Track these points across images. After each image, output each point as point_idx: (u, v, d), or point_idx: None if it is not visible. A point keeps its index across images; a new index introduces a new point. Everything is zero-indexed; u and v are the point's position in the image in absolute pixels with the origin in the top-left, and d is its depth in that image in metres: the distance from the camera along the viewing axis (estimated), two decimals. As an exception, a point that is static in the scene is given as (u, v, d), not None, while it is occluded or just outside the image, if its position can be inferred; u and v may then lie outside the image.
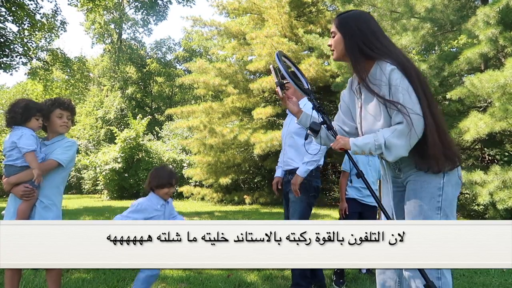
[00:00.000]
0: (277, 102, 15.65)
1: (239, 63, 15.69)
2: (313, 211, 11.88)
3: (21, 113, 2.50)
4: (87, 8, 18.52)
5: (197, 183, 16.15)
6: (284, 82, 2.18)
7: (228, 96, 14.06)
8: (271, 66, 2.27)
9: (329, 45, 2.04)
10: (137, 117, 19.78)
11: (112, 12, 29.30)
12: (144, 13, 29.96)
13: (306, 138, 2.17)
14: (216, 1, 15.24)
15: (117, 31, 31.99)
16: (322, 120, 2.00)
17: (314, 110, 2.05)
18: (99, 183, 20.16)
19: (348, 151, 1.89)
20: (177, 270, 3.96)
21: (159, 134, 24.51)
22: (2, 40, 13.14)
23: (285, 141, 3.43)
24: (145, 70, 32.30)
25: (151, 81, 32.89)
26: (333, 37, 2.01)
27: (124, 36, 33.13)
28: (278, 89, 2.14)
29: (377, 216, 3.76)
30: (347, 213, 3.70)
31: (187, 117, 15.13)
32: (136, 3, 28.39)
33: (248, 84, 13.53)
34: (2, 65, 13.52)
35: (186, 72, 29.95)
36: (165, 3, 26.23)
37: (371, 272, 3.71)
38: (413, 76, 1.82)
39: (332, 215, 8.64)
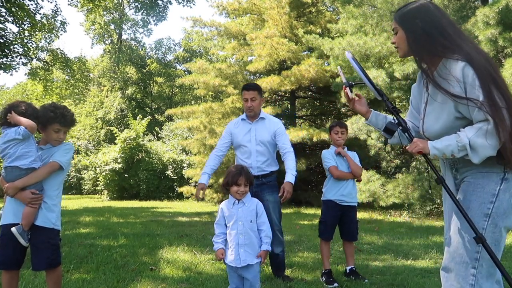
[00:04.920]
0: (277, 103, 15.66)
1: (239, 64, 15.71)
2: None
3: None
4: (87, 9, 18.54)
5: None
6: (353, 83, 2.10)
7: (228, 96, 14.06)
8: (338, 67, 2.22)
9: (393, 43, 1.93)
10: (137, 118, 19.79)
11: (112, 12, 29.31)
12: (144, 14, 29.98)
13: (385, 143, 2.09)
14: (216, 1, 15.25)
15: (117, 31, 32.01)
16: (397, 121, 1.90)
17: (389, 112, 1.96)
18: (99, 184, 20.17)
19: (427, 155, 1.78)
20: (177, 270, 3.97)
21: (159, 135, 24.52)
22: (2, 40, 13.14)
23: (254, 148, 3.64)
24: (145, 70, 32.30)
25: (151, 81, 32.89)
26: (396, 33, 1.90)
27: (124, 37, 33.18)
28: (347, 90, 2.06)
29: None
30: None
31: (187, 117, 15.14)
32: (136, 4, 28.40)
33: (248, 85, 13.51)
34: (2, 65, 13.52)
35: (186, 73, 29.98)
36: (165, 4, 26.23)
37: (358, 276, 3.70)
38: (485, 69, 1.67)
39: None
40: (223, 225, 2.63)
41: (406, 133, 1.89)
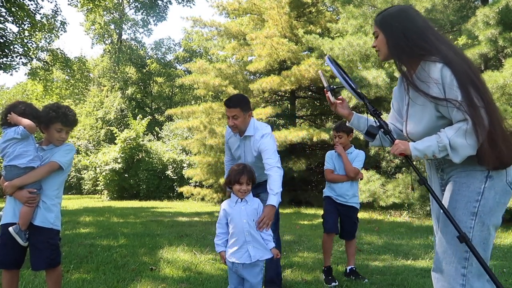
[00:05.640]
0: (277, 103, 15.68)
1: (239, 64, 15.71)
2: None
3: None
4: (87, 9, 18.54)
5: (197, 184, 16.17)
6: (335, 87, 2.13)
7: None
8: (319, 71, 2.23)
9: (374, 46, 1.95)
10: (137, 118, 19.79)
11: (112, 12, 29.31)
12: (144, 14, 29.98)
13: (366, 145, 2.12)
14: (216, 1, 15.25)
15: (117, 31, 32.01)
16: (379, 124, 1.93)
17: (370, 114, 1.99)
18: (99, 184, 20.16)
19: (409, 156, 1.80)
20: (177, 270, 3.97)
21: (159, 135, 24.53)
22: (2, 40, 13.14)
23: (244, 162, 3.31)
24: (145, 70, 32.31)
25: (151, 81, 32.90)
26: (376, 37, 1.93)
27: (124, 37, 33.18)
28: (329, 94, 2.10)
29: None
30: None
31: (187, 117, 15.14)
32: (136, 4, 28.41)
33: (248, 85, 13.53)
34: (2, 65, 13.52)
35: (186, 73, 29.98)
36: (165, 4, 26.27)
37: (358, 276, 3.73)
38: (463, 70, 1.70)
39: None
40: (225, 224, 2.61)
41: (387, 136, 1.91)
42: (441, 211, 1.81)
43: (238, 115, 3.14)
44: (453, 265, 1.72)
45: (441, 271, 1.76)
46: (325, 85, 2.11)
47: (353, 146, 3.95)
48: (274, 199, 2.85)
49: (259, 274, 2.56)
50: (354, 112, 2.14)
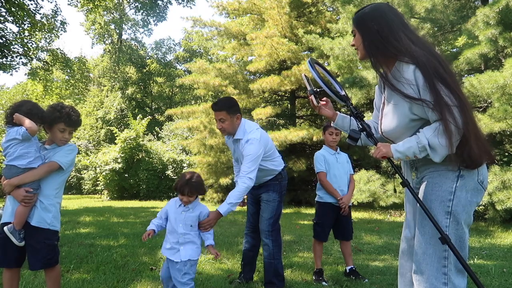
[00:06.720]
0: (277, 103, 15.69)
1: (239, 64, 15.72)
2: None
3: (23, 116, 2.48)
4: (87, 9, 18.54)
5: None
6: (318, 90, 2.15)
7: (228, 96, 14.07)
8: (303, 74, 2.24)
9: (352, 45, 1.96)
10: (137, 118, 19.78)
11: (112, 12, 29.30)
12: (144, 14, 29.95)
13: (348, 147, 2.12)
14: (216, 1, 15.25)
15: (117, 31, 32.01)
16: (361, 127, 1.94)
17: (352, 117, 2.01)
18: (99, 184, 20.16)
19: (391, 158, 1.80)
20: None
21: (159, 135, 24.53)
22: (2, 40, 13.14)
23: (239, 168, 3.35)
24: (145, 70, 32.30)
25: (151, 81, 32.90)
26: (354, 36, 1.93)
27: (124, 37, 33.18)
28: (312, 97, 2.12)
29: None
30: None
31: (187, 117, 15.15)
32: (136, 4, 28.39)
33: (248, 85, 13.53)
34: (2, 66, 13.52)
35: (186, 73, 29.98)
36: (165, 4, 26.21)
37: (358, 276, 3.74)
38: (434, 70, 1.70)
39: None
40: (164, 219, 2.77)
41: (370, 138, 1.93)
42: (418, 212, 1.84)
43: (225, 118, 3.15)
44: (434, 265, 1.75)
45: (422, 273, 1.78)
46: (308, 88, 2.14)
47: (338, 147, 3.96)
48: (225, 207, 2.86)
49: (186, 276, 2.62)
50: (338, 112, 2.17)
